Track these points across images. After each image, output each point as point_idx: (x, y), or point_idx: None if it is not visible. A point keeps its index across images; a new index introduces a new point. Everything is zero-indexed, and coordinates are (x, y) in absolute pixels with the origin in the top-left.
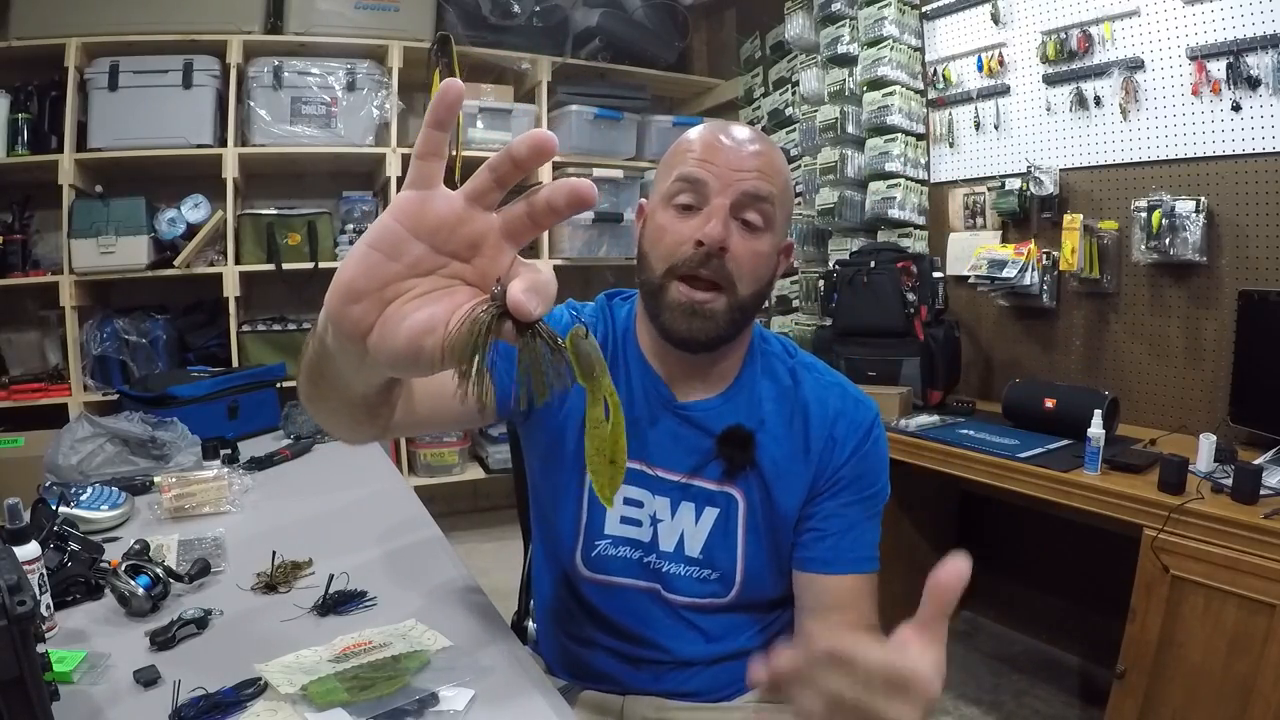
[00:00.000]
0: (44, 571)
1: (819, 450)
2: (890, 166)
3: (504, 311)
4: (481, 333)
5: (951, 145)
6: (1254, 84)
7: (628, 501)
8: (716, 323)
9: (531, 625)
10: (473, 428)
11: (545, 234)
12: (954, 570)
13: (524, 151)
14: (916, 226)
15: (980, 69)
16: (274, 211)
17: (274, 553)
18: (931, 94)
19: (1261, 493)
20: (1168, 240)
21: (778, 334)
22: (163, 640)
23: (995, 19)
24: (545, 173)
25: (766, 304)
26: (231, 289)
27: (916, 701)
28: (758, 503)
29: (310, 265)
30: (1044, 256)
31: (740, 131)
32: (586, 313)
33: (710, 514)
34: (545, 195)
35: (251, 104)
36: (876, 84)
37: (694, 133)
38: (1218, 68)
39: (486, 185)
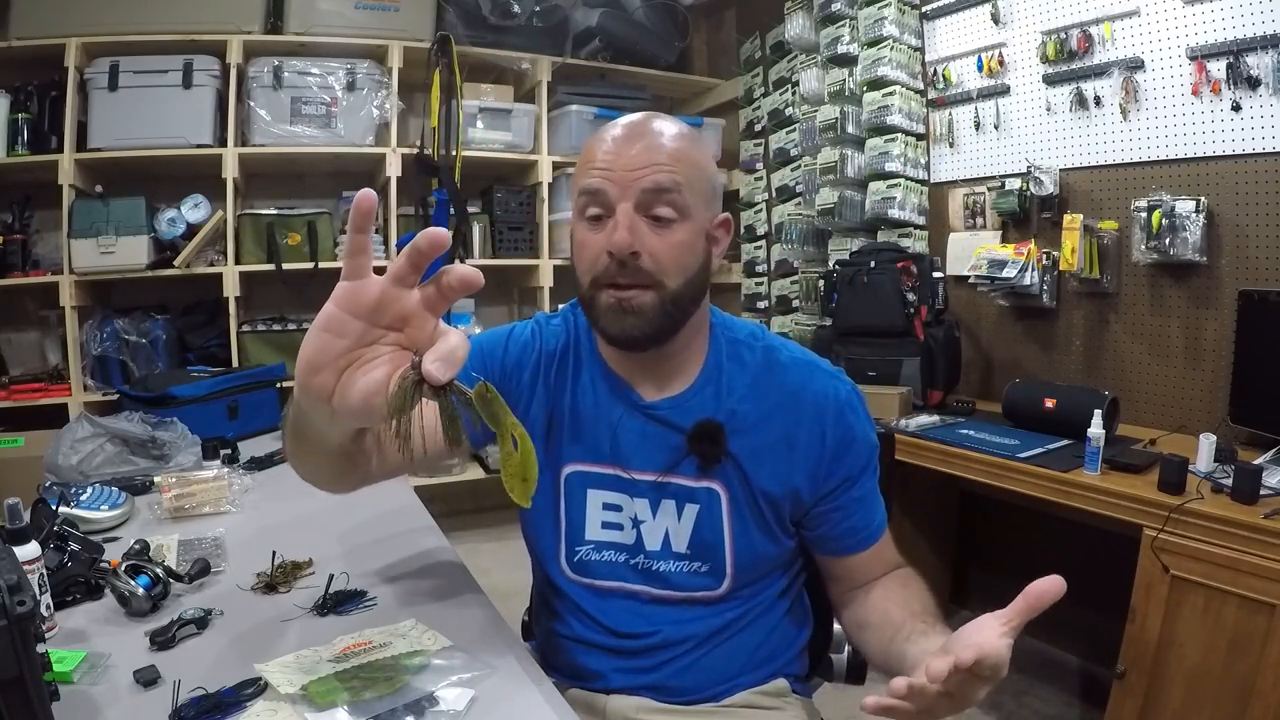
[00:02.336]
0: (44, 571)
1: (809, 437)
2: (890, 166)
3: (422, 377)
4: (406, 395)
5: (951, 145)
6: (1254, 84)
7: (606, 506)
8: (647, 317)
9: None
10: (449, 461)
11: (545, 234)
12: (1053, 584)
13: (423, 246)
14: (916, 226)
15: (980, 69)
16: (274, 211)
17: (274, 553)
18: (931, 94)
19: (1261, 493)
20: (1168, 240)
21: (745, 320)
22: (163, 640)
23: (995, 19)
24: (544, 171)
25: (766, 304)
26: (231, 289)
27: (987, 679)
28: (739, 492)
29: (310, 265)
30: (1044, 256)
31: (642, 127)
32: (554, 323)
33: (691, 510)
34: (450, 280)
35: (251, 104)
36: (876, 84)
37: (595, 139)
38: (1218, 68)
39: (404, 270)
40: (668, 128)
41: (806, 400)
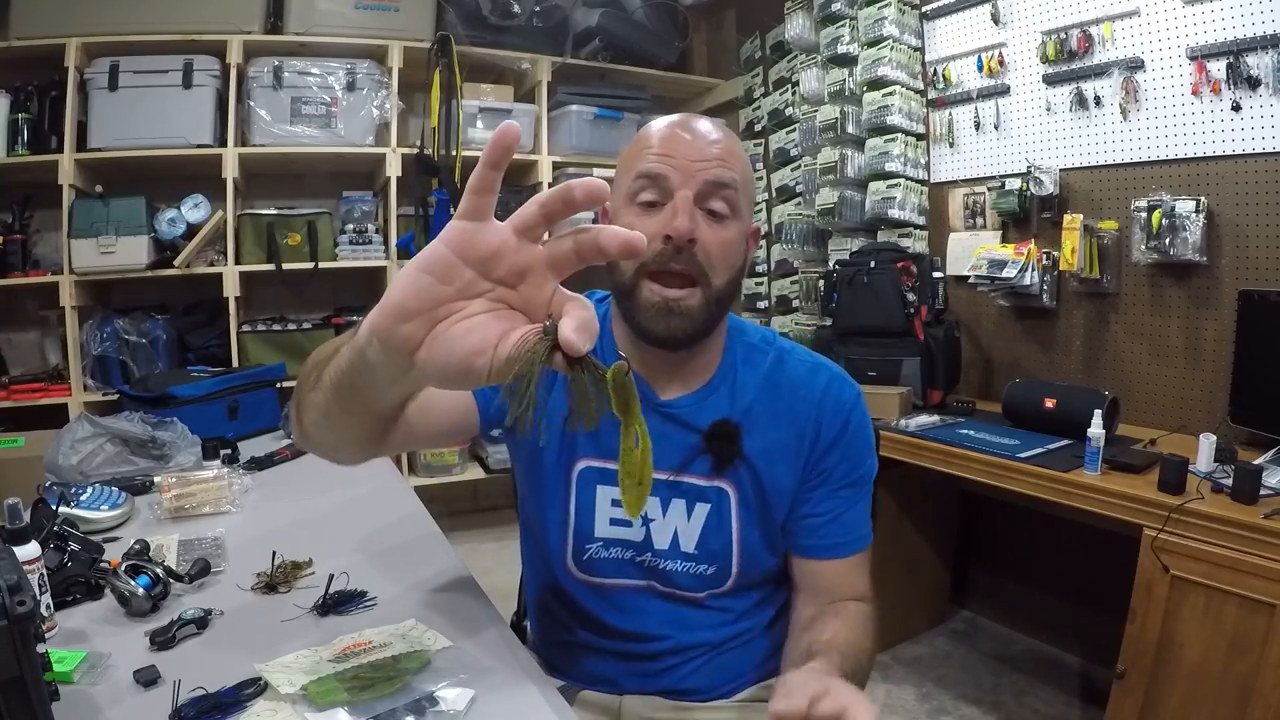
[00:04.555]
0: (44, 571)
1: (807, 431)
2: (890, 166)
3: (555, 345)
4: (536, 362)
5: (951, 145)
6: (1254, 84)
7: (615, 503)
8: (693, 319)
9: (528, 626)
10: (453, 444)
11: (544, 234)
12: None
13: (579, 196)
14: (916, 226)
15: (980, 69)
16: (274, 211)
17: (274, 553)
18: (931, 94)
19: (1261, 493)
20: (1168, 240)
21: (758, 325)
22: (163, 640)
23: (995, 19)
24: (544, 171)
25: (766, 304)
26: (231, 289)
27: None
28: (749, 492)
29: (310, 265)
30: (1044, 256)
31: (697, 122)
32: None
33: (702, 509)
34: (595, 238)
35: (251, 104)
36: (876, 84)
37: (650, 128)
38: (1218, 68)
39: (535, 219)
40: (720, 128)
41: (814, 397)
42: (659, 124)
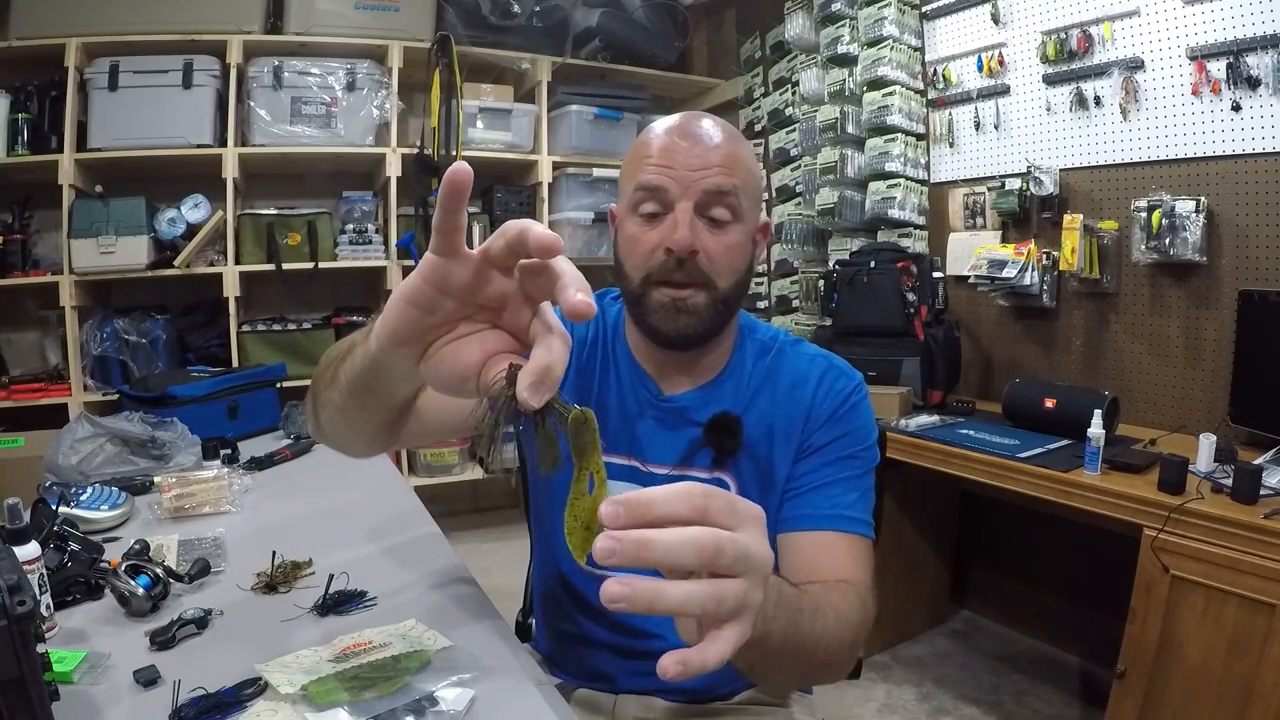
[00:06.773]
0: (44, 571)
1: (799, 414)
2: (890, 166)
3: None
4: (499, 410)
5: (951, 145)
6: (1254, 84)
7: None
8: (700, 317)
9: (533, 623)
10: (462, 435)
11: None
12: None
13: (531, 246)
14: (916, 226)
15: (980, 69)
16: (274, 211)
17: (274, 553)
18: (931, 94)
19: (1261, 493)
20: (1168, 240)
21: (768, 324)
22: (163, 640)
23: (995, 19)
24: (544, 171)
25: (766, 304)
26: (231, 289)
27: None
28: (752, 484)
29: (310, 265)
30: (1044, 256)
31: (696, 127)
32: None
33: None
34: (555, 287)
35: (251, 104)
36: (876, 84)
37: (650, 134)
38: (1218, 68)
39: (500, 255)
40: (721, 129)
41: (810, 383)
42: (658, 129)
